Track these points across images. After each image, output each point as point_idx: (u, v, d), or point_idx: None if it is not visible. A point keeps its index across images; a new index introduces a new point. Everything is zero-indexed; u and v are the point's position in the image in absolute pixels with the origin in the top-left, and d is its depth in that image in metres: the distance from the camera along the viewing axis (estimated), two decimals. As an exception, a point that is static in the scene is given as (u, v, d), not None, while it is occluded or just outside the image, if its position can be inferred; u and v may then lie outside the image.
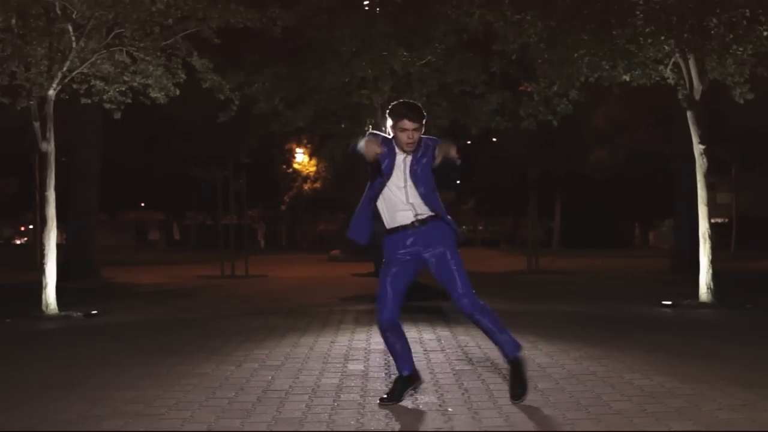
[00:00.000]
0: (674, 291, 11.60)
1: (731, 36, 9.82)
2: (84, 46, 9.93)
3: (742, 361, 5.99)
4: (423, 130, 4.54)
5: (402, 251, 4.56)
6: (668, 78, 10.93)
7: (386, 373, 5.52)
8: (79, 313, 9.81)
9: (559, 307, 10.83)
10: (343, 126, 13.87)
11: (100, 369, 5.91)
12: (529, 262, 21.60)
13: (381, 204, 4.58)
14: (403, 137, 4.48)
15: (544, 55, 11.07)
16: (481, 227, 57.82)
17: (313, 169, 38.06)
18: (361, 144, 4.49)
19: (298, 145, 36.15)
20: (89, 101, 10.85)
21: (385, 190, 4.54)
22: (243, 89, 12.22)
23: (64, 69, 9.94)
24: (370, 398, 4.77)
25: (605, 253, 30.71)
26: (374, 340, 7.04)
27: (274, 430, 4.12)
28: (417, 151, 4.52)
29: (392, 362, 5.78)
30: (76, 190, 17.54)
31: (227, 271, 19.34)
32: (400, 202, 4.53)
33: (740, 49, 9.95)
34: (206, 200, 30.70)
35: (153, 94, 10.70)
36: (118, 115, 10.89)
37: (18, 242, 52.19)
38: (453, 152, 4.47)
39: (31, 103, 10.07)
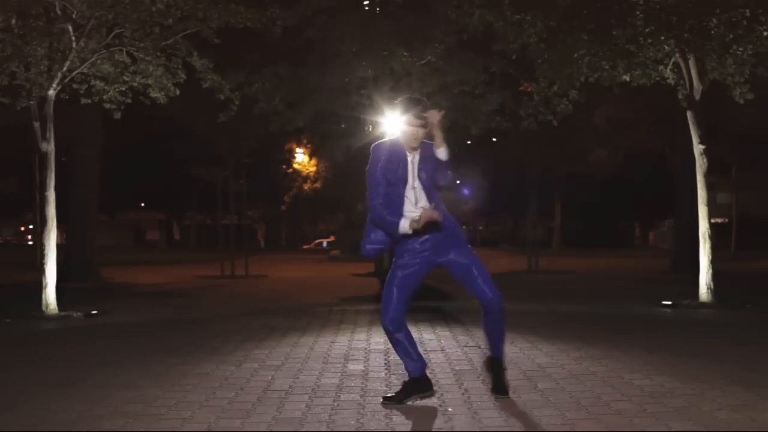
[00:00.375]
0: (674, 291, 11.59)
1: (731, 36, 9.82)
2: (84, 46, 9.93)
3: (742, 360, 5.98)
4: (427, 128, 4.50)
5: (412, 254, 4.56)
6: (668, 78, 10.93)
7: (386, 373, 5.52)
8: (78, 313, 9.82)
9: (559, 307, 10.82)
10: (343, 126, 13.87)
11: (99, 369, 5.90)
12: (530, 262, 21.62)
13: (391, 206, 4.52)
14: (414, 130, 4.42)
15: (544, 55, 11.05)
16: (481, 227, 57.87)
17: (313, 169, 38.11)
18: (404, 225, 4.41)
19: (298, 145, 36.18)
20: (89, 101, 10.86)
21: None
22: (243, 89, 12.23)
23: (64, 69, 9.94)
24: (370, 398, 4.76)
25: (605, 253, 30.73)
26: (374, 340, 7.04)
27: (274, 430, 4.11)
28: (421, 151, 4.51)
29: (392, 362, 5.80)
30: (76, 190, 17.55)
31: (227, 271, 19.36)
32: (411, 204, 4.52)
33: (740, 49, 9.95)
34: (206, 200, 30.70)
35: (153, 94, 10.70)
36: (118, 115, 10.90)
37: (22, 242, 52.11)
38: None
39: (31, 103, 10.07)
